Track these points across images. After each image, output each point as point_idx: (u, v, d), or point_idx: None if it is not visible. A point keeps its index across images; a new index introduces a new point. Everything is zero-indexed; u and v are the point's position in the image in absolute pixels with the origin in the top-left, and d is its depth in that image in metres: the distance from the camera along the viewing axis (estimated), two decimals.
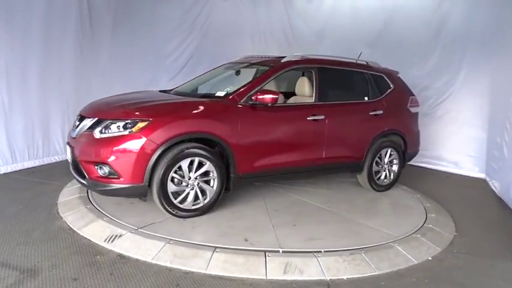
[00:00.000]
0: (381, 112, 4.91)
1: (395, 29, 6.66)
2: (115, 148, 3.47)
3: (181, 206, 3.72)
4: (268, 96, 3.98)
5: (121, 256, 3.15)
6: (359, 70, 5.03)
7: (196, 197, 3.78)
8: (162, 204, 3.64)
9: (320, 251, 3.31)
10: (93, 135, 3.60)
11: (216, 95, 4.22)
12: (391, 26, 6.69)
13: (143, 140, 3.47)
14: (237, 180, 3.99)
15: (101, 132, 3.57)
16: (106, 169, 3.51)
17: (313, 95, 4.54)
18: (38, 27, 5.30)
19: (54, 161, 5.61)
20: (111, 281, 2.80)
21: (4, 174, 4.93)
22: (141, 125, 3.49)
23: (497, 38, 5.83)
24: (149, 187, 3.58)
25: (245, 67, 4.94)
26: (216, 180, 3.85)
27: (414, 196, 5.04)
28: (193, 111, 3.80)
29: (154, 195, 3.61)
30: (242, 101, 4.00)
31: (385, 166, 5.08)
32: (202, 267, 3.04)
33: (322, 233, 3.67)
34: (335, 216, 4.13)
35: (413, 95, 5.43)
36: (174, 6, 7.65)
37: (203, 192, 3.83)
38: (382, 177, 5.09)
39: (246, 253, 3.21)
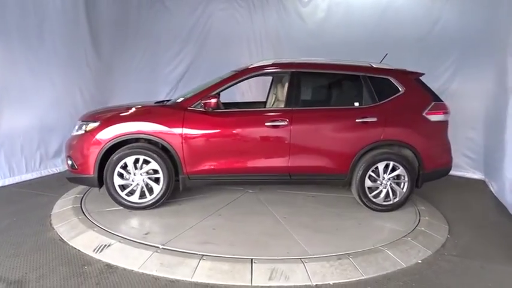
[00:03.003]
0: (373, 119, 4.32)
1: (387, 28, 6.61)
2: (75, 144, 4.22)
3: (128, 198, 4.18)
4: (211, 101, 4.13)
5: (108, 266, 3.18)
6: (350, 73, 4.54)
7: (144, 193, 4.19)
8: (111, 195, 4.16)
9: (308, 257, 3.31)
10: (71, 134, 4.36)
11: (176, 101, 4.45)
12: (383, 26, 6.64)
13: (92, 138, 4.10)
14: (185, 180, 4.25)
15: (76, 131, 4.29)
16: (70, 161, 4.25)
17: (284, 100, 4.43)
18: (40, 45, 5.47)
19: (52, 172, 5.69)
20: None
21: (2, 187, 5.01)
22: (92, 126, 4.15)
23: (491, 38, 5.79)
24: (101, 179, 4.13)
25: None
26: (162, 179, 4.16)
27: (410, 200, 4.90)
28: (136, 115, 4.27)
29: (106, 187, 4.13)
30: (193, 105, 4.23)
31: (385, 182, 4.40)
32: (188, 275, 3.07)
33: (223, 240, 3.55)
34: (273, 228, 3.89)
35: (439, 100, 4.58)
36: (171, 17, 7.76)
37: (152, 189, 4.19)
38: (382, 195, 4.42)
39: (232, 260, 3.22)
